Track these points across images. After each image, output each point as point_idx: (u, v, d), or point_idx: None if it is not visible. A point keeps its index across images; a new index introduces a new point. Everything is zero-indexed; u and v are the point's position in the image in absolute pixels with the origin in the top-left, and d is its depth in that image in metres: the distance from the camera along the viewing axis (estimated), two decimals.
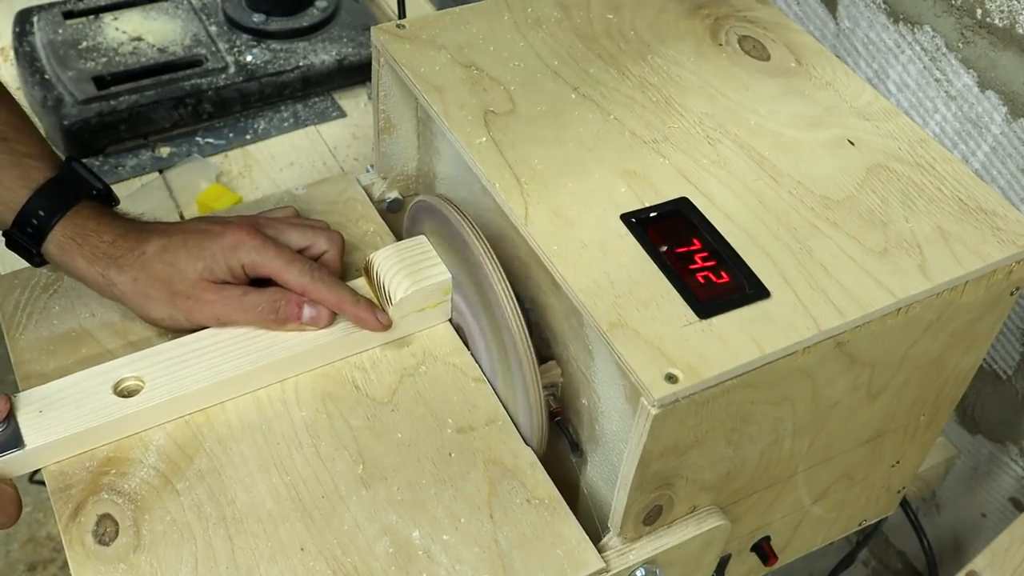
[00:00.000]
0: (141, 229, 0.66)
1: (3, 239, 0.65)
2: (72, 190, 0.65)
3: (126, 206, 0.94)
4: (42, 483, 0.60)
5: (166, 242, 0.64)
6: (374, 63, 0.73)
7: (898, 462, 0.75)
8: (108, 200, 0.68)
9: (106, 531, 0.57)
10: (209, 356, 0.63)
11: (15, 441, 0.58)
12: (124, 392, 0.62)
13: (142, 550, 0.56)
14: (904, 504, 0.83)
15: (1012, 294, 0.65)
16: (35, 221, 0.63)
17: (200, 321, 0.65)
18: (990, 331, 0.67)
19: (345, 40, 1.04)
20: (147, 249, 0.64)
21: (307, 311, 0.64)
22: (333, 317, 0.65)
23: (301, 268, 0.65)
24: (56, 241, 0.64)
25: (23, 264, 0.67)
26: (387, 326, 0.65)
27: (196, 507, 0.58)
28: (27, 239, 0.64)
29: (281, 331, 0.65)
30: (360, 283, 0.68)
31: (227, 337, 0.64)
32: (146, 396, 0.61)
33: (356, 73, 1.04)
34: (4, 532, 1.29)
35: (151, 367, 0.63)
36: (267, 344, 0.64)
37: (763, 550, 0.72)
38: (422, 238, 0.69)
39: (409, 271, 0.66)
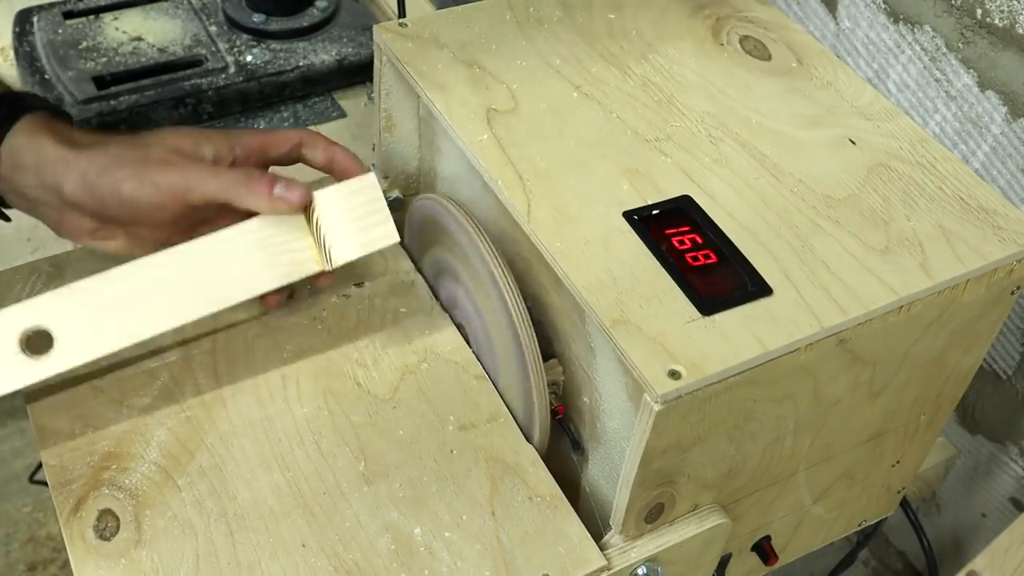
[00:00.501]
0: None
1: None
2: (14, 103, 0.62)
3: None
4: (43, 483, 0.60)
5: (131, 135, 0.62)
6: (376, 62, 0.73)
7: (898, 462, 0.75)
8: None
9: (107, 526, 0.57)
10: (128, 299, 0.58)
11: None
12: (32, 348, 0.56)
13: (143, 545, 0.56)
14: (904, 504, 0.83)
15: (1013, 293, 0.65)
16: None
17: (165, 184, 0.59)
18: (991, 330, 0.67)
19: (345, 40, 1.04)
20: (114, 136, 0.61)
21: (279, 188, 0.60)
22: (307, 199, 0.60)
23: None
24: (22, 129, 0.60)
25: (17, 255, 0.67)
26: (302, 202, 0.60)
27: (197, 503, 0.58)
28: None
29: (246, 201, 0.59)
30: (298, 222, 0.62)
31: (150, 275, 0.59)
32: (58, 357, 0.56)
33: (356, 73, 1.04)
34: (4, 532, 1.29)
35: (62, 316, 0.56)
36: (192, 278, 0.59)
37: (763, 549, 0.72)
38: (371, 181, 0.62)
39: (355, 229, 0.61)
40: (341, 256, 0.61)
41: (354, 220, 0.61)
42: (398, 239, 0.62)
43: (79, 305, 0.57)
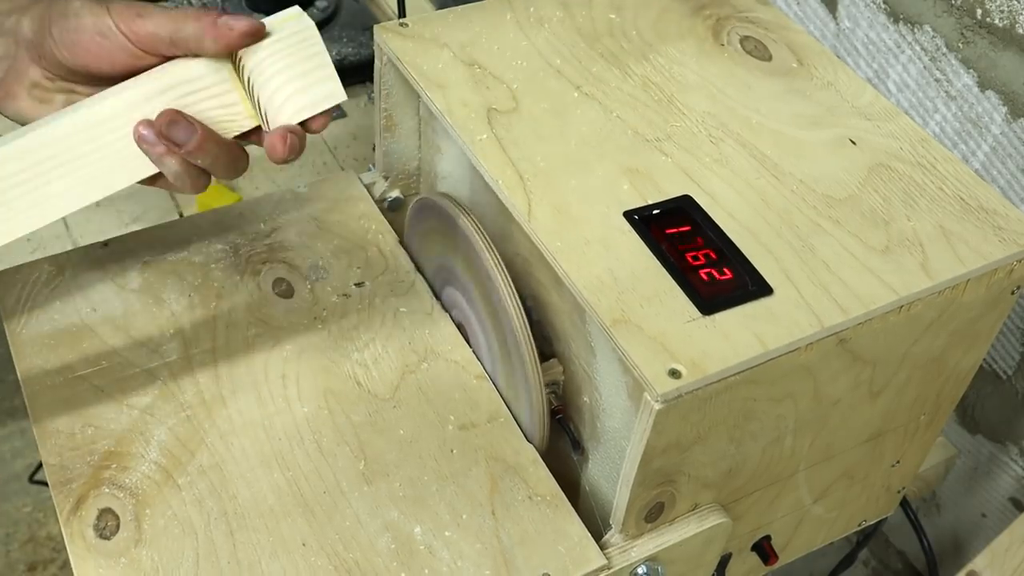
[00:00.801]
0: None
1: None
2: None
3: (126, 206, 0.94)
4: (43, 483, 0.60)
5: None
6: (376, 61, 0.73)
7: (898, 462, 0.75)
8: None
9: (107, 525, 0.57)
10: (34, 181, 0.52)
11: None
12: None
13: (143, 544, 0.56)
14: (904, 504, 0.83)
15: (1013, 293, 0.65)
16: None
17: (119, 11, 0.54)
18: (991, 330, 0.67)
19: (345, 40, 1.04)
20: None
21: (225, 16, 0.53)
22: (256, 29, 0.53)
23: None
24: None
25: (16, 254, 0.67)
26: (250, 31, 0.53)
27: (197, 502, 0.58)
28: None
29: (191, 36, 0.53)
30: (226, 74, 0.54)
31: (55, 153, 0.52)
32: None
33: (356, 73, 1.04)
34: (4, 532, 1.29)
35: None
36: (109, 151, 0.53)
37: (763, 549, 0.72)
38: (309, 29, 0.54)
39: (295, 88, 0.53)
40: (279, 120, 0.54)
41: (293, 78, 0.53)
42: (344, 97, 0.55)
43: None
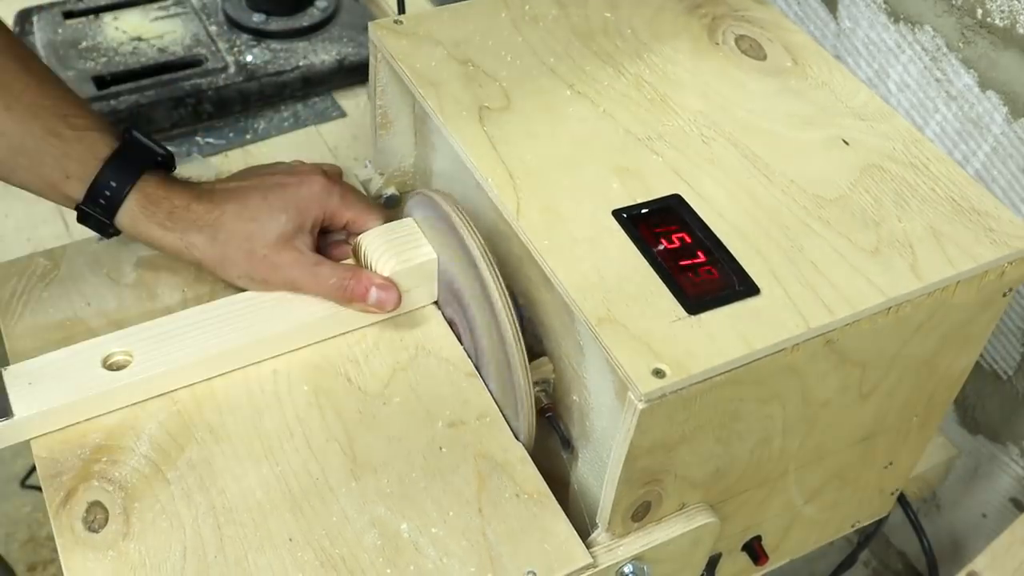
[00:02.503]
0: (213, 191, 0.67)
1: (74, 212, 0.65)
2: (138, 159, 0.65)
3: None
4: (36, 488, 0.60)
5: (244, 200, 0.66)
6: (371, 59, 0.73)
7: (891, 463, 0.75)
8: (169, 165, 0.68)
9: (96, 518, 0.57)
10: (199, 330, 0.65)
11: (3, 411, 0.59)
12: (113, 366, 0.62)
13: (131, 538, 0.57)
14: (904, 504, 0.82)
15: (1005, 295, 0.64)
16: (107, 193, 0.64)
17: (273, 283, 0.66)
18: (983, 333, 0.67)
19: (345, 40, 1.04)
20: (226, 209, 0.66)
21: (374, 294, 0.66)
22: (399, 302, 0.67)
23: (379, 216, 0.69)
24: (129, 212, 0.64)
25: (16, 254, 0.67)
26: (395, 306, 0.67)
27: (186, 496, 0.59)
28: (100, 211, 0.64)
29: (346, 307, 0.66)
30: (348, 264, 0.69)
31: (219, 313, 0.66)
32: (134, 370, 0.62)
33: (356, 73, 1.04)
34: (4, 532, 1.29)
35: (140, 342, 0.64)
36: (258, 319, 0.66)
37: (754, 550, 0.72)
38: (409, 221, 0.69)
39: (396, 251, 0.67)
40: (385, 270, 0.67)
41: (396, 246, 0.68)
42: (435, 256, 0.68)
43: (149, 335, 0.65)
